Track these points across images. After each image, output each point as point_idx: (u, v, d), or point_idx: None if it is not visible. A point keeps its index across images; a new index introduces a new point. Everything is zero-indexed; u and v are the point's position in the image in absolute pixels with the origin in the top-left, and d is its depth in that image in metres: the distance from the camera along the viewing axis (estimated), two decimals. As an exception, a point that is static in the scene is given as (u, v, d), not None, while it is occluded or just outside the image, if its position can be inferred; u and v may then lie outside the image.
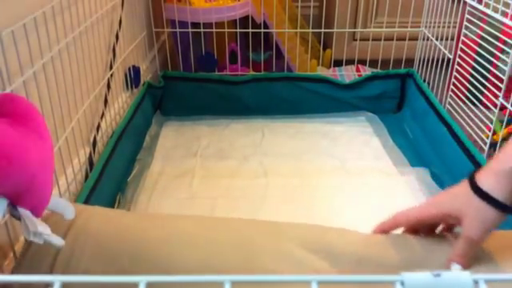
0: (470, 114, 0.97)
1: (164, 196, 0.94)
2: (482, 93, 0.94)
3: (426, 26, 1.22)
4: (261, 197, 0.93)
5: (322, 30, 1.29)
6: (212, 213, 0.88)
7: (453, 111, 1.04)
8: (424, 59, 1.20)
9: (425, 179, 0.97)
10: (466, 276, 0.23)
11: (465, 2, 1.01)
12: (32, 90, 0.66)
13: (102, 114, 0.97)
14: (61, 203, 0.54)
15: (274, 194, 0.94)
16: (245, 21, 1.31)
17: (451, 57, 1.09)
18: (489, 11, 0.88)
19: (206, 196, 0.94)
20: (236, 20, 1.27)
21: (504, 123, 0.92)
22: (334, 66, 1.47)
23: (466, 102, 1.00)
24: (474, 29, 1.01)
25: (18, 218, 0.46)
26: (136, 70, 1.16)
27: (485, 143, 0.89)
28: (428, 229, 0.58)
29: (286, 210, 0.90)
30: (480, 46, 1.00)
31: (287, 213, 0.89)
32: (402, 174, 1.00)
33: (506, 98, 0.83)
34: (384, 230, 0.60)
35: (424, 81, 1.19)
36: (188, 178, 0.99)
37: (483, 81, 0.94)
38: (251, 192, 0.95)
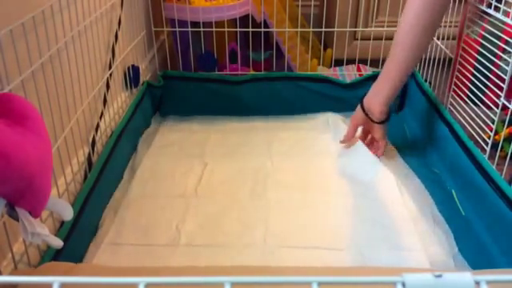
0: (472, 113, 0.97)
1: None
2: (483, 93, 0.94)
3: (426, 26, 1.21)
4: (261, 195, 0.93)
5: (323, 30, 1.29)
6: (212, 212, 0.88)
7: (454, 111, 1.04)
8: (425, 59, 1.19)
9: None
10: (468, 276, 0.23)
11: (466, 2, 1.01)
12: (30, 90, 0.66)
13: (101, 114, 0.97)
14: (59, 204, 0.54)
15: (275, 193, 0.94)
16: (245, 20, 1.30)
17: (453, 56, 1.09)
18: (490, 11, 0.88)
19: (206, 195, 0.93)
20: (236, 19, 1.26)
21: (506, 123, 0.92)
22: (334, 66, 1.46)
23: (468, 101, 1.00)
24: (476, 28, 1.00)
25: (16, 218, 0.46)
26: (135, 70, 1.16)
27: (486, 143, 0.88)
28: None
29: (287, 209, 0.89)
30: (482, 45, 0.99)
31: (289, 207, 0.89)
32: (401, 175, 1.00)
33: (508, 97, 0.83)
34: (350, 134, 1.05)
35: (425, 80, 1.18)
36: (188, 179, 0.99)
37: (485, 81, 0.93)
38: (252, 192, 0.95)
